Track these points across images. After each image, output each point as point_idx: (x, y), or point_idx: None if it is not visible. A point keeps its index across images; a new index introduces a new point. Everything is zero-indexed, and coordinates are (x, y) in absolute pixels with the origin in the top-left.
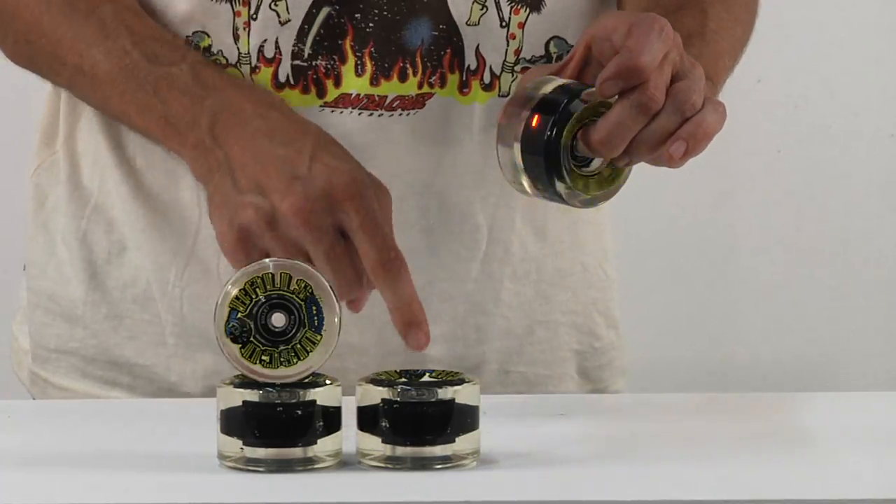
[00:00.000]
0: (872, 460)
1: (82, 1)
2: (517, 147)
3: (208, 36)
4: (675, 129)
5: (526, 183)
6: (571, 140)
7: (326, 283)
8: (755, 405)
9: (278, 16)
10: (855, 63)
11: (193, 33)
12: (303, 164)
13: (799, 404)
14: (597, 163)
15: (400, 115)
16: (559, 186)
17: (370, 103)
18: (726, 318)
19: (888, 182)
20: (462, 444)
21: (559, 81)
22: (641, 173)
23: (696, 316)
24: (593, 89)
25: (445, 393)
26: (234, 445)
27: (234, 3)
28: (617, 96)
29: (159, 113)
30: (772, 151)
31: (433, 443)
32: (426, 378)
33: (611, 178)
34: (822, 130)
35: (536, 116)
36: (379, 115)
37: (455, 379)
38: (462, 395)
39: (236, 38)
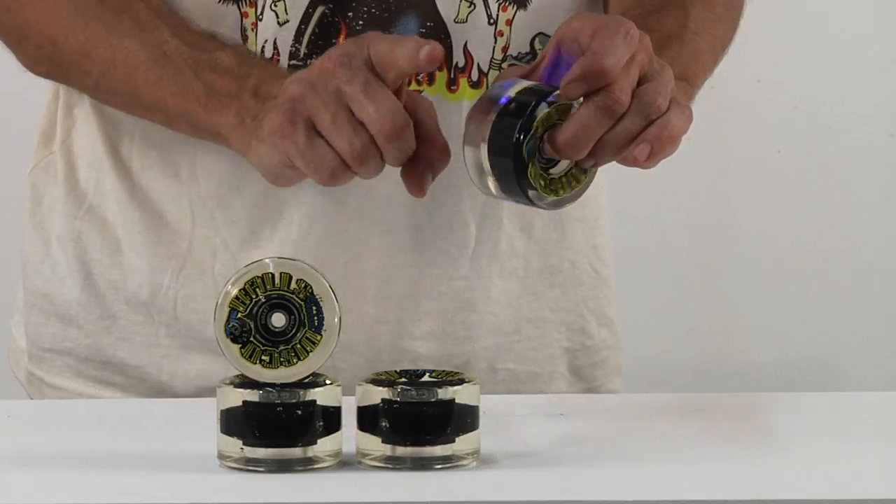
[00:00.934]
0: (872, 460)
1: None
2: (484, 149)
3: None
4: (640, 131)
5: (492, 185)
6: (538, 142)
7: (326, 283)
8: (755, 405)
9: (277, 16)
10: (854, 63)
11: None
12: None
13: (799, 404)
14: (563, 164)
15: None
16: (526, 188)
17: None
18: (726, 319)
19: (888, 182)
20: (462, 444)
21: (526, 84)
22: (640, 171)
23: (695, 316)
24: (560, 91)
25: (445, 393)
26: (234, 445)
27: (240, 4)
28: (583, 98)
29: (199, 91)
30: (772, 151)
31: (433, 443)
32: (426, 378)
33: (577, 180)
34: (822, 130)
35: (503, 119)
36: None
37: (455, 379)
38: (462, 395)
39: (245, 38)
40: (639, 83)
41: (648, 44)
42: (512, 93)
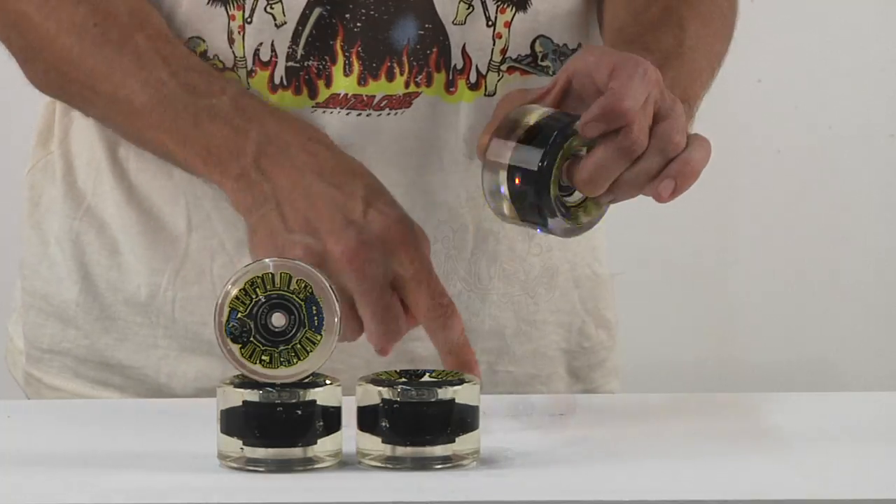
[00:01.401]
0: (872, 460)
1: (115, 31)
2: (503, 175)
3: (203, 41)
4: (659, 169)
5: (508, 210)
6: (558, 171)
7: (326, 284)
8: (755, 405)
9: (274, 19)
10: (855, 63)
11: (189, 39)
12: (357, 209)
13: (798, 404)
14: (579, 193)
15: (388, 114)
16: (546, 216)
17: (358, 103)
18: (726, 319)
19: (888, 182)
20: (462, 444)
21: (545, 110)
22: None
23: (694, 317)
24: (580, 120)
25: (445, 393)
26: (234, 445)
27: (228, 6)
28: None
29: (200, 144)
30: (772, 151)
31: (433, 443)
32: (426, 378)
33: (594, 208)
34: (822, 130)
35: (525, 146)
36: (367, 115)
37: (455, 379)
38: (462, 395)
39: (231, 41)
40: (654, 120)
41: (660, 79)
42: (533, 119)
